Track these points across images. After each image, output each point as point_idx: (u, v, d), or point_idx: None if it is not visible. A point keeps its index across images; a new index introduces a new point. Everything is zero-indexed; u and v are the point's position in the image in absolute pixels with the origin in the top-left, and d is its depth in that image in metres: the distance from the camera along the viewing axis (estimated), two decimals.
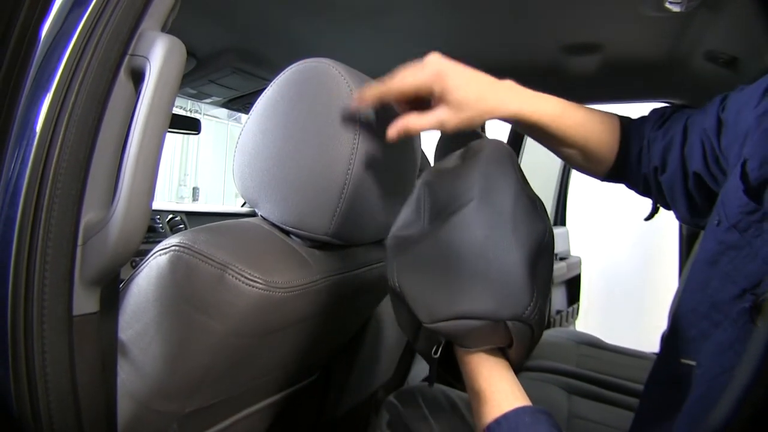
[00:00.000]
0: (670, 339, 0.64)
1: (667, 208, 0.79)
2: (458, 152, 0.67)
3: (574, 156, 0.80)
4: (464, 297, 0.55)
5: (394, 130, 0.68)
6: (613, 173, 0.81)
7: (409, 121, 0.68)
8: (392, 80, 0.67)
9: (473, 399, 0.59)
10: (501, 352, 0.60)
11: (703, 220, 0.72)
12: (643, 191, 0.81)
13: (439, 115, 0.67)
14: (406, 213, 0.65)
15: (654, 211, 0.85)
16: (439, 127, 0.68)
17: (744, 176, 0.55)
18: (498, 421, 0.54)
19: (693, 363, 0.56)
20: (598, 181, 0.85)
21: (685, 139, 0.71)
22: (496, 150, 0.63)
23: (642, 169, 0.77)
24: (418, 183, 0.65)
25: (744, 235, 0.54)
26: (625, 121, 0.80)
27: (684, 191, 0.72)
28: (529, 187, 0.64)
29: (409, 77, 0.67)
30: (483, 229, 0.56)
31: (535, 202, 0.62)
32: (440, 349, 0.61)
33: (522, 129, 0.78)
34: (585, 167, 0.83)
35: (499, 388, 0.58)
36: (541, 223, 0.61)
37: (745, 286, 0.52)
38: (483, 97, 0.69)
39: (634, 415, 0.70)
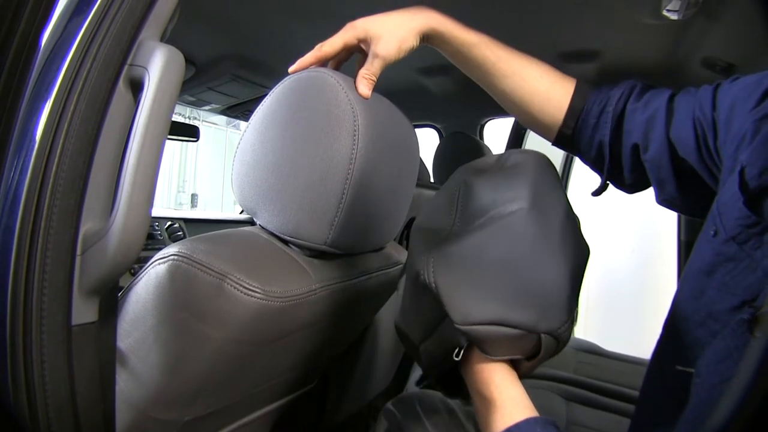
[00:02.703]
0: (664, 345, 0.64)
1: (619, 183, 0.80)
2: (494, 157, 0.67)
3: (514, 105, 0.83)
4: (505, 304, 0.55)
5: (361, 86, 0.73)
6: (562, 135, 0.81)
7: (360, 72, 0.74)
8: (322, 45, 0.75)
9: (482, 406, 0.59)
10: (511, 361, 0.60)
11: (694, 203, 0.72)
12: (594, 160, 0.80)
13: (375, 52, 0.74)
14: (436, 205, 0.65)
15: (603, 187, 0.84)
16: (382, 60, 0.74)
17: (743, 185, 0.54)
18: (510, 430, 0.54)
19: (691, 371, 0.56)
20: (544, 137, 0.86)
21: (670, 119, 0.71)
22: (544, 164, 0.64)
23: (597, 136, 0.77)
24: (455, 178, 0.66)
25: (743, 247, 0.53)
26: (581, 82, 0.80)
27: (673, 172, 0.72)
28: (570, 204, 0.64)
29: (335, 38, 0.76)
30: (533, 240, 0.56)
31: (577, 221, 0.63)
32: (462, 353, 0.60)
33: (452, 56, 0.83)
34: (530, 122, 0.84)
35: (510, 395, 0.58)
36: (584, 244, 0.61)
37: (745, 298, 0.52)
38: (402, 21, 0.76)
39: (630, 423, 0.69)
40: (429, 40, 0.79)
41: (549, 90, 0.80)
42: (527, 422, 0.55)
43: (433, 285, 0.58)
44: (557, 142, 0.84)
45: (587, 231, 0.63)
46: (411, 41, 0.76)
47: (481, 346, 0.59)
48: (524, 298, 0.55)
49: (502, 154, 0.67)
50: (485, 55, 0.80)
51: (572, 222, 0.60)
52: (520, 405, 0.57)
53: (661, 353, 0.65)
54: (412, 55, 0.77)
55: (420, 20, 0.76)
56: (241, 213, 2.53)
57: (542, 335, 0.55)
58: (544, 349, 0.56)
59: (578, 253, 0.59)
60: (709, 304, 0.56)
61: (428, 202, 0.68)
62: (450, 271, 0.57)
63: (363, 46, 0.77)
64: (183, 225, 1.99)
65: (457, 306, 0.56)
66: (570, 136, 0.81)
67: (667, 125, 0.71)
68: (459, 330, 0.56)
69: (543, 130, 0.84)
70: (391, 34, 0.74)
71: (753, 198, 0.53)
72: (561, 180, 0.67)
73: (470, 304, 0.56)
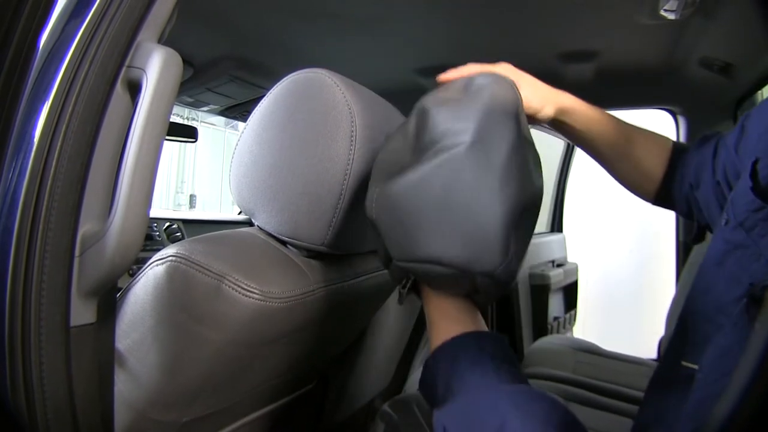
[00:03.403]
0: (673, 342, 0.64)
1: (709, 229, 0.80)
2: (462, 82, 0.66)
3: (623, 169, 0.84)
4: (438, 242, 0.55)
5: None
6: (661, 194, 0.82)
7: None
8: (483, 66, 0.74)
9: (431, 328, 0.61)
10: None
11: None
12: (687, 213, 0.81)
13: (523, 94, 0.70)
14: (395, 139, 0.65)
15: (698, 232, 0.86)
16: (525, 103, 0.72)
17: (754, 174, 0.55)
18: (443, 344, 0.57)
19: (695, 367, 0.56)
20: (648, 203, 0.88)
21: (716, 153, 0.72)
22: (502, 93, 0.62)
23: (683, 190, 0.78)
24: (415, 107, 0.65)
25: (750, 234, 0.54)
26: (676, 143, 0.82)
27: (717, 204, 0.72)
28: (530, 142, 0.63)
29: (494, 67, 0.75)
30: (470, 178, 0.55)
31: (530, 161, 0.61)
32: (408, 285, 0.62)
33: (570, 134, 0.83)
34: (631, 184, 0.85)
35: (452, 316, 0.60)
36: (531, 184, 0.59)
37: (750, 283, 0.52)
38: (548, 86, 0.78)
39: (634, 420, 0.70)
40: (562, 114, 0.80)
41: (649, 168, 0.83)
42: (462, 336, 0.57)
43: (375, 221, 0.59)
44: (656, 203, 0.86)
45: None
46: (545, 112, 0.78)
47: (421, 281, 0.61)
48: (456, 237, 0.54)
49: (470, 78, 0.66)
50: (606, 130, 0.82)
51: (520, 157, 0.58)
52: (460, 324, 0.59)
53: (668, 349, 0.65)
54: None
55: (567, 101, 0.80)
56: (239, 214, 2.52)
57: (477, 276, 0.55)
58: (482, 289, 0.56)
59: (521, 192, 0.56)
60: (718, 297, 0.56)
61: (390, 134, 0.68)
62: (390, 206, 0.58)
63: None
64: (181, 226, 1.99)
65: (393, 243, 0.58)
66: (665, 198, 0.84)
67: (714, 159, 0.73)
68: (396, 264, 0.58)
69: (639, 191, 0.87)
70: (538, 96, 0.77)
71: (763, 188, 0.53)
72: (522, 113, 0.64)
73: (405, 242, 0.57)
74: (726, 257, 0.57)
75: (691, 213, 0.79)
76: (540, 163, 0.64)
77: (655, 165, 0.81)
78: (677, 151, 0.81)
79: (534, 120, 0.77)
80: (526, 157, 0.59)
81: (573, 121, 0.80)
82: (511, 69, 0.76)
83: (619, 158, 0.82)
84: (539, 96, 0.76)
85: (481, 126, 0.57)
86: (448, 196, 0.55)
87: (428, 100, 0.64)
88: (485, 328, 0.61)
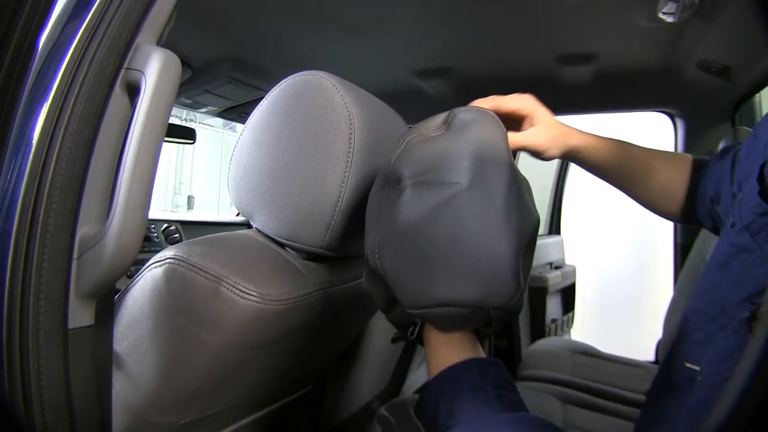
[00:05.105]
0: (676, 342, 0.64)
1: None
2: (442, 117, 0.66)
3: (642, 194, 0.84)
4: (451, 284, 0.54)
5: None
6: (686, 213, 0.82)
7: (512, 138, 0.72)
8: (501, 99, 0.75)
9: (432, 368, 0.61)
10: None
11: None
12: (713, 228, 0.81)
13: (533, 132, 0.75)
14: (380, 174, 0.64)
15: None
16: (532, 142, 0.74)
17: (761, 178, 0.55)
18: (442, 372, 0.57)
19: (697, 368, 0.56)
20: (669, 220, 0.89)
21: (734, 165, 0.72)
22: (489, 127, 0.63)
23: (706, 205, 0.78)
24: (398, 141, 0.64)
25: (755, 238, 0.54)
26: (695, 159, 0.82)
27: None
28: (517, 169, 0.62)
29: (513, 99, 0.76)
30: (475, 218, 0.55)
31: (524, 192, 0.61)
32: (417, 331, 0.62)
33: (583, 167, 0.83)
34: (654, 206, 0.85)
35: (454, 355, 0.60)
36: (530, 213, 0.60)
37: (752, 291, 0.52)
38: (560, 126, 0.77)
39: (637, 421, 0.70)
40: (571, 154, 0.80)
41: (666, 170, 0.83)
42: (464, 363, 0.57)
43: (380, 271, 0.58)
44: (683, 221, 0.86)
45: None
46: (561, 146, 0.78)
47: (434, 325, 0.60)
48: (469, 277, 0.54)
49: (449, 113, 0.65)
50: (624, 158, 0.82)
51: (516, 192, 0.58)
52: (462, 351, 0.59)
53: (671, 349, 0.65)
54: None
55: (580, 136, 0.79)
56: (237, 215, 2.52)
57: (492, 310, 0.55)
58: (496, 322, 0.57)
59: (524, 225, 0.57)
60: (723, 298, 0.56)
61: (378, 174, 0.67)
62: (395, 253, 0.58)
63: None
64: (179, 227, 1.99)
65: (403, 290, 0.57)
66: (690, 215, 0.83)
67: (732, 172, 0.72)
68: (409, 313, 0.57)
69: (663, 213, 0.87)
70: (554, 131, 0.77)
71: None
72: (507, 141, 0.64)
73: (417, 288, 0.56)
74: (731, 259, 0.57)
75: (717, 228, 0.79)
76: (531, 190, 0.65)
77: (677, 185, 0.81)
78: (697, 167, 0.80)
79: (538, 158, 0.78)
80: (521, 190, 0.60)
81: (583, 159, 0.80)
82: (530, 100, 0.76)
83: (637, 185, 0.82)
84: (548, 136, 0.75)
85: (475, 165, 0.57)
86: (454, 237, 0.55)
87: (409, 135, 0.64)
88: (483, 355, 0.61)
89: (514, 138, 0.73)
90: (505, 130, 0.64)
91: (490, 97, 0.75)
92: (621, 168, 0.81)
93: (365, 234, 0.63)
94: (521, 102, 0.76)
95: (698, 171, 0.80)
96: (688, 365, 0.58)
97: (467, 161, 0.57)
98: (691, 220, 0.83)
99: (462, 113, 0.64)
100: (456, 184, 0.56)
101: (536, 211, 0.62)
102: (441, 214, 0.56)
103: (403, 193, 0.58)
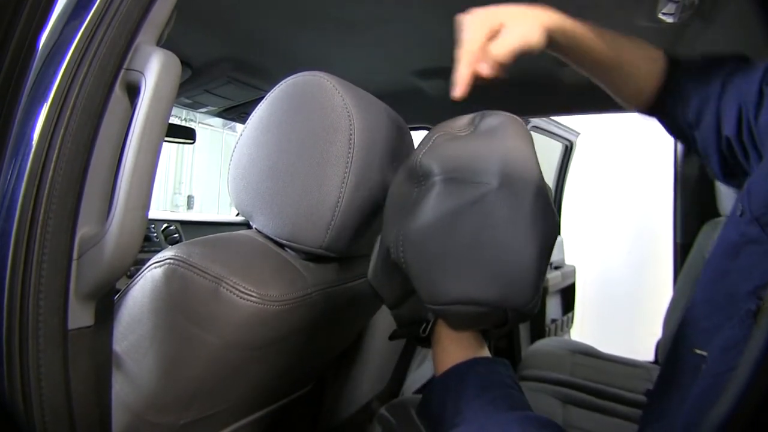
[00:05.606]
0: (683, 328, 0.64)
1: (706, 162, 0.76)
2: (467, 118, 0.66)
3: (612, 81, 0.80)
4: (474, 283, 0.55)
5: (487, 68, 0.64)
6: (652, 109, 0.79)
7: (492, 48, 0.64)
8: (464, 44, 0.65)
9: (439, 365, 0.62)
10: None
11: (733, 180, 0.71)
12: (678, 137, 0.79)
13: (517, 30, 0.65)
14: (405, 171, 0.64)
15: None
16: (523, 40, 0.65)
17: None
18: (449, 370, 0.58)
19: (705, 354, 0.56)
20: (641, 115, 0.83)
21: (722, 97, 0.69)
22: (518, 133, 0.62)
23: (678, 122, 0.76)
24: (423, 141, 0.65)
25: (766, 231, 0.53)
26: (671, 59, 0.78)
27: (717, 150, 0.70)
28: (542, 175, 0.62)
29: (473, 32, 0.65)
30: (503, 219, 0.56)
31: (548, 194, 0.61)
32: (429, 328, 0.62)
33: (561, 46, 0.76)
34: (621, 95, 0.82)
35: (461, 354, 0.60)
36: (554, 219, 0.61)
37: (758, 283, 0.52)
38: (533, 18, 0.67)
39: (642, 414, 0.69)
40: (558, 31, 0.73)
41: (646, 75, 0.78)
42: (471, 361, 0.58)
43: (404, 264, 0.59)
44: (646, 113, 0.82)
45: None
46: (544, 33, 0.69)
47: (447, 321, 0.61)
48: (495, 277, 0.55)
49: (475, 116, 0.66)
50: (599, 42, 0.78)
51: (542, 198, 0.59)
52: (470, 349, 0.60)
53: (676, 340, 0.65)
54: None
55: (558, 17, 0.71)
56: (237, 215, 2.53)
57: (509, 311, 0.56)
58: (511, 321, 0.58)
59: (547, 231, 0.58)
60: (731, 287, 0.56)
61: (402, 168, 0.67)
62: (419, 249, 0.58)
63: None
64: (179, 227, 1.99)
65: (425, 285, 0.57)
66: (656, 112, 0.79)
67: (718, 102, 0.69)
68: (427, 307, 0.58)
69: (628, 103, 0.82)
70: (532, 17, 0.68)
71: None
72: (533, 146, 0.64)
73: (440, 285, 0.56)
74: (740, 250, 0.56)
75: (684, 140, 0.77)
76: (552, 196, 0.65)
77: (648, 75, 0.77)
78: (673, 63, 0.77)
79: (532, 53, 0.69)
80: (547, 196, 0.60)
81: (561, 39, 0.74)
82: (481, 10, 0.67)
83: (610, 69, 0.79)
84: (532, 27, 0.67)
85: (505, 169, 0.57)
86: (482, 236, 0.55)
87: (436, 133, 0.64)
88: (489, 354, 0.62)
89: (498, 46, 0.65)
90: (530, 135, 0.65)
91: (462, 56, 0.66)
92: (595, 51, 0.77)
93: (384, 226, 0.63)
94: (480, 20, 0.66)
95: (673, 68, 0.77)
96: (697, 351, 0.58)
97: (497, 164, 0.58)
98: (657, 116, 0.80)
99: (490, 117, 0.64)
100: (486, 184, 0.57)
101: (557, 215, 0.63)
102: (470, 211, 0.56)
103: (432, 188, 0.59)
